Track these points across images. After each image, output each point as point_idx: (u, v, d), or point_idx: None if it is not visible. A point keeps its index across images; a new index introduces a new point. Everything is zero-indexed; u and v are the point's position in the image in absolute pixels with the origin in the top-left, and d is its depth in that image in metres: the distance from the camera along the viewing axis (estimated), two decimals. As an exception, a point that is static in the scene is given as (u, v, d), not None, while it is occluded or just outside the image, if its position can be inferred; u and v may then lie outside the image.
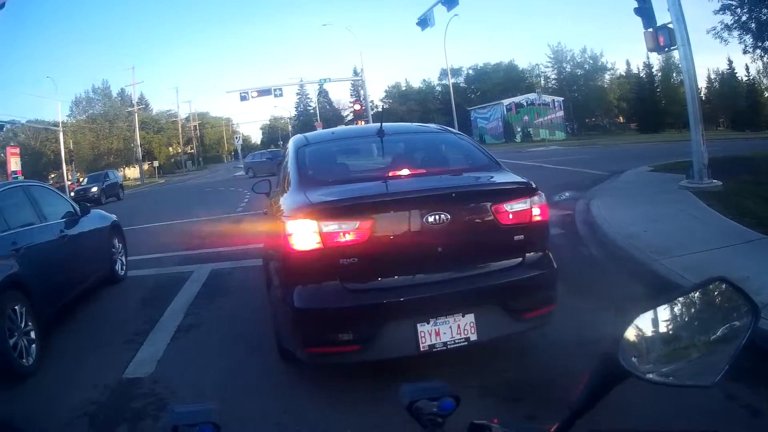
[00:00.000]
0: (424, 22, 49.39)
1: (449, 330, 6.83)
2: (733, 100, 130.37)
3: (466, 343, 6.87)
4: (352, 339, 6.84)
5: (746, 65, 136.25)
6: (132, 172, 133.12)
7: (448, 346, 6.82)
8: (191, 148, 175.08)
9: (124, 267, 15.86)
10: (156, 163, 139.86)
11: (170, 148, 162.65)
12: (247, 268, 14.28)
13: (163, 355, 9.41)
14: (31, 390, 8.80)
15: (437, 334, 6.81)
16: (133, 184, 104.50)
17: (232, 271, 14.83)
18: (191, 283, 13.87)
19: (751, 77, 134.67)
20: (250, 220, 22.61)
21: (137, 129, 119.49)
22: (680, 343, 2.07)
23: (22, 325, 9.45)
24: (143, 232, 25.34)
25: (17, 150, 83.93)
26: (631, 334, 2.03)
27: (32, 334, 9.65)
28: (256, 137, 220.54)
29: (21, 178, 66.32)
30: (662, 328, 2.07)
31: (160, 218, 30.97)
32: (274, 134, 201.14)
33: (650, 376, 1.99)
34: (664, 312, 2.09)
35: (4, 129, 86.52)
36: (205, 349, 9.50)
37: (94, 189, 60.86)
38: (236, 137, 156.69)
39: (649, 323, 2.07)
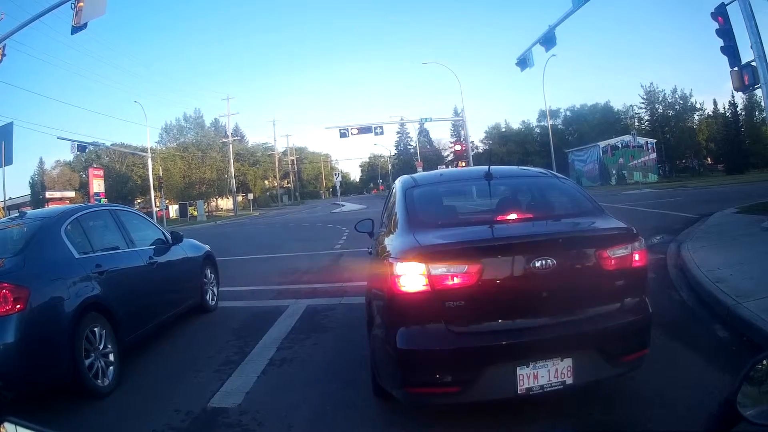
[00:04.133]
0: (523, 62, 49.08)
1: (547, 373, 6.79)
2: None
3: (561, 386, 6.84)
4: (453, 381, 6.81)
5: None
6: (225, 203, 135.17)
7: (545, 389, 6.78)
8: (288, 183, 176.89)
9: (216, 297, 15.84)
10: (250, 196, 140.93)
11: (266, 182, 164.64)
12: (344, 305, 14.27)
13: (252, 387, 9.34)
14: (114, 411, 8.89)
15: (535, 377, 6.77)
16: (226, 215, 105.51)
17: (328, 307, 14.61)
18: (286, 318, 13.81)
19: None
20: (349, 258, 22.63)
21: (231, 160, 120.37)
22: None
23: (101, 347, 9.56)
24: (237, 263, 25.43)
25: (101, 172, 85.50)
26: (749, 380, 2.02)
27: (111, 357, 9.76)
28: (355, 174, 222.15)
29: (104, 201, 67.15)
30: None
31: (255, 251, 31.21)
32: (373, 172, 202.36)
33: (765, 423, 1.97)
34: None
35: (87, 150, 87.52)
36: (297, 384, 9.39)
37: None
38: (335, 174, 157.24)
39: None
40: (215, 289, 15.93)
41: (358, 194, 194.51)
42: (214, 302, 15.64)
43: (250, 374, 9.92)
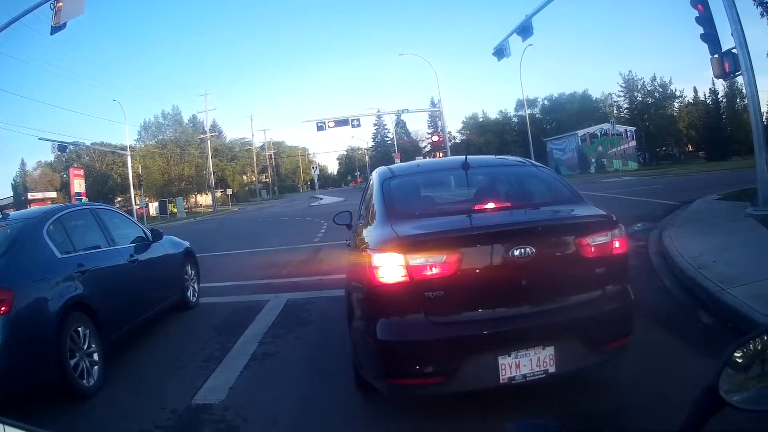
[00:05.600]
0: (500, 52, 49.42)
1: (529, 362, 6.81)
2: None
3: (544, 375, 6.85)
4: (434, 371, 6.87)
5: None
6: (204, 199, 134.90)
7: (528, 378, 6.80)
8: (266, 177, 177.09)
9: (197, 294, 15.89)
10: (229, 191, 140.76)
11: (244, 177, 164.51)
12: (324, 298, 14.32)
13: (235, 382, 9.38)
14: (99, 410, 8.93)
15: (517, 366, 6.79)
16: (206, 211, 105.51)
17: (308, 301, 14.71)
18: (266, 312, 13.87)
19: None
20: (327, 251, 22.73)
21: (210, 156, 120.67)
22: None
23: (85, 346, 9.56)
24: (216, 259, 25.49)
25: (81, 172, 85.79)
26: (732, 365, 2.02)
27: (95, 356, 9.76)
28: (333, 167, 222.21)
29: (85, 200, 67.28)
30: (763, 360, 2.05)
31: (234, 246, 31.45)
32: (351, 165, 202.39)
33: (751, 407, 1.97)
34: (765, 342, 2.07)
35: (68, 150, 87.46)
36: (280, 379, 9.44)
37: None
38: (313, 167, 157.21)
39: (751, 354, 2.06)
40: (196, 286, 16.00)
41: (336, 187, 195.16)
42: (195, 299, 15.71)
43: (233, 370, 9.98)
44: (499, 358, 6.72)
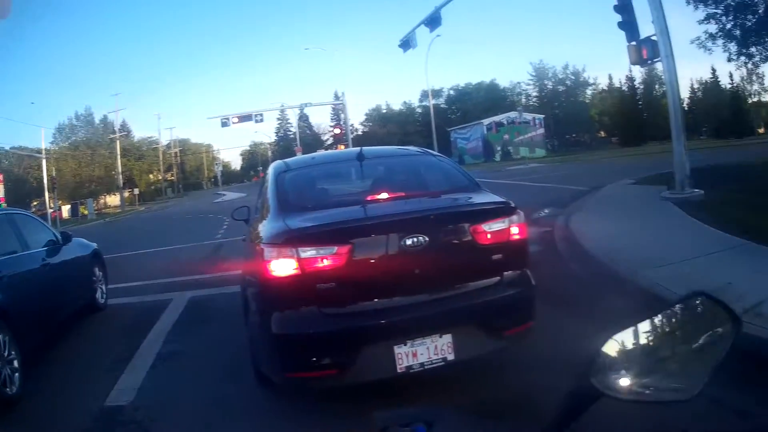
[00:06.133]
0: (406, 43, 49.98)
1: (426, 351, 6.86)
2: (716, 109, 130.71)
3: (443, 363, 6.89)
4: (330, 363, 6.88)
5: (730, 73, 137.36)
6: (113, 200, 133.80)
7: (425, 367, 6.84)
8: (171, 175, 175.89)
9: (105, 295, 15.79)
10: (137, 191, 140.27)
11: (151, 176, 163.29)
12: (225, 295, 14.28)
13: (143, 383, 9.38)
14: (17, 419, 8.85)
15: (414, 355, 6.84)
16: (115, 212, 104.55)
17: (210, 298, 14.85)
18: (170, 311, 13.93)
19: (735, 85, 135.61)
20: (229, 247, 22.92)
21: (119, 156, 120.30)
22: (659, 359, 2.08)
23: (5, 354, 9.39)
24: (123, 260, 25.27)
25: (0, 177, 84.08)
26: (606, 353, 2.05)
27: (15, 363, 9.58)
28: (237, 163, 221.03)
29: (4, 205, 66.43)
30: (639, 346, 2.09)
31: (140, 246, 31.31)
32: (253, 160, 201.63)
33: (626, 395, 2.00)
34: (641, 330, 2.11)
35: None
36: (183, 376, 9.55)
37: None
38: (216, 163, 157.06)
39: (625, 341, 2.09)
40: (104, 287, 15.91)
41: (239, 182, 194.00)
42: (104, 300, 15.60)
43: (140, 370, 10.00)
44: (395, 347, 6.79)
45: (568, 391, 2.01)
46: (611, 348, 2.06)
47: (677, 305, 2.19)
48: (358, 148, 9.41)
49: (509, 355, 7.76)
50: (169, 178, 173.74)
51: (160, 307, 14.39)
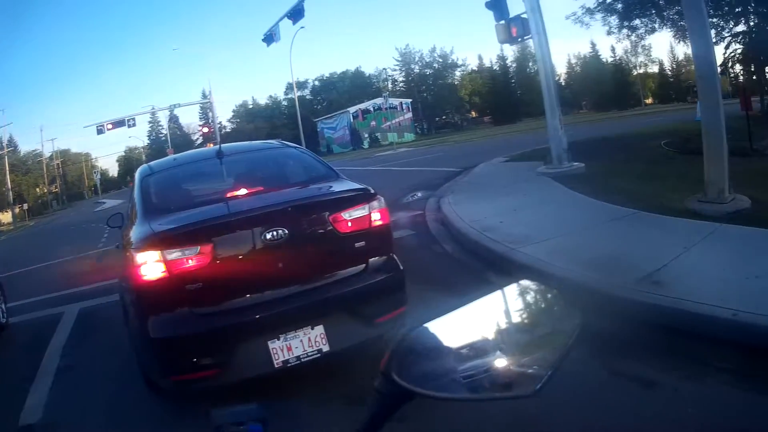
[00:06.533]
0: (269, 37, 50.43)
1: (300, 344, 6.93)
2: (597, 82, 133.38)
3: (319, 354, 6.97)
4: (211, 363, 6.87)
5: (612, 46, 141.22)
6: (5, 217, 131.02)
7: (302, 360, 6.91)
8: (56, 188, 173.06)
9: (5, 314, 15.47)
10: (25, 206, 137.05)
11: (37, 189, 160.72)
12: (111, 303, 14.02)
13: (48, 399, 9.26)
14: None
15: (289, 349, 6.90)
16: (7, 229, 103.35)
17: (98, 308, 14.78)
18: (63, 324, 13.74)
19: (618, 58, 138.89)
20: (111, 255, 22.20)
21: (7, 172, 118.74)
22: (483, 352, 1.89)
23: None
24: (17, 277, 24.87)
25: None
26: (402, 349, 1.88)
27: None
28: (114, 170, 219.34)
29: None
30: (455, 338, 1.90)
31: (31, 262, 30.52)
32: (130, 165, 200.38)
33: (442, 393, 1.81)
34: (455, 320, 1.94)
35: None
36: (83, 389, 9.46)
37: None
38: (95, 172, 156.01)
39: (437, 332, 1.91)
40: (4, 306, 15.63)
41: (117, 189, 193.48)
42: (5, 319, 15.28)
43: (43, 387, 9.82)
44: (269, 342, 6.87)
45: (375, 388, 1.85)
46: (421, 339, 1.91)
47: (498, 291, 2.07)
48: (217, 146, 9.51)
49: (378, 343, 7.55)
50: (53, 191, 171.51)
51: (54, 321, 14.22)
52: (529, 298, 2.12)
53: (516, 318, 2.04)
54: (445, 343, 1.86)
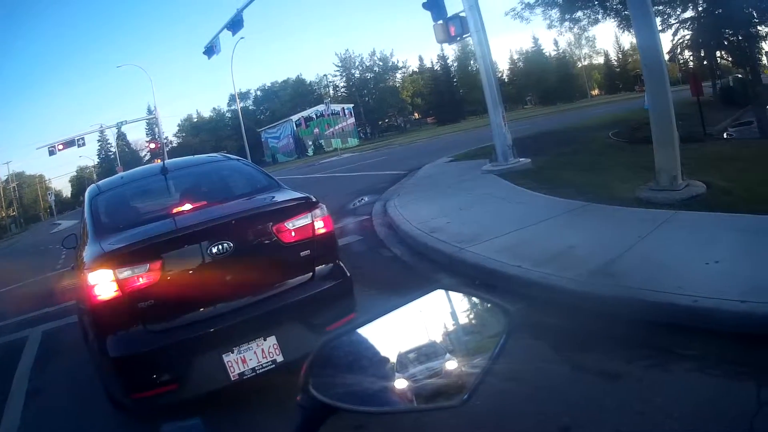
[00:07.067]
0: (210, 50, 50.34)
1: (255, 355, 6.94)
2: (541, 77, 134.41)
3: (273, 365, 6.97)
4: (168, 379, 6.83)
5: (555, 40, 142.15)
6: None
7: (257, 372, 6.92)
8: (13, 211, 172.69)
9: None
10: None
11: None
12: (73, 324, 13.24)
13: (20, 424, 9.25)
14: None
15: (243, 361, 6.91)
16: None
17: (60, 329, 14.62)
18: (28, 348, 13.66)
19: (561, 51, 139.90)
20: (68, 276, 22.08)
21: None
22: (407, 361, 1.90)
23: None
24: None
25: None
26: (319, 363, 1.92)
27: None
28: (68, 191, 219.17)
29: None
30: (377, 348, 1.94)
31: None
32: (81, 185, 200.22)
33: (363, 407, 1.83)
34: (376, 329, 1.97)
35: None
36: (53, 412, 9.46)
37: None
38: (49, 193, 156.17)
39: (357, 342, 1.95)
40: None
41: (72, 210, 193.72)
42: None
43: (15, 411, 9.78)
44: (223, 356, 6.88)
45: (297, 403, 1.86)
46: (340, 350, 1.96)
47: (416, 301, 2.07)
48: (161, 163, 9.64)
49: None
50: (11, 214, 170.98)
51: (20, 345, 14.14)
52: (454, 305, 2.10)
53: (440, 326, 2.03)
54: (366, 353, 1.88)
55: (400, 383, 1.81)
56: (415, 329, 1.95)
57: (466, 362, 1.84)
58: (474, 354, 1.86)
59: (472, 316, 2.05)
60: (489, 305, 2.00)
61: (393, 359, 1.86)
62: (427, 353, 1.87)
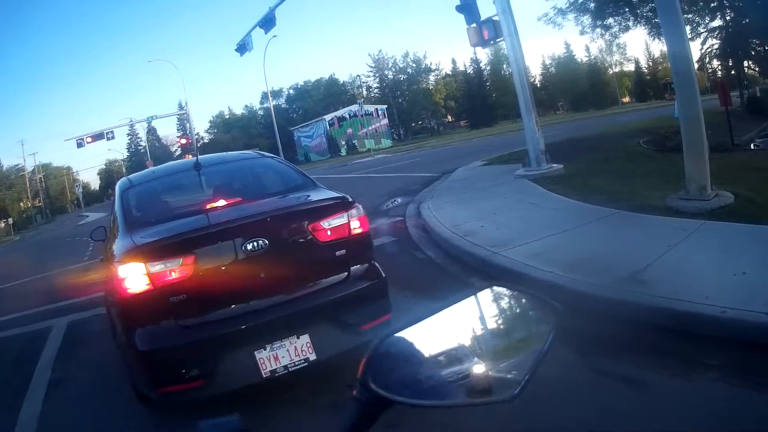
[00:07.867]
0: (242, 47, 50.31)
1: (287, 353, 6.94)
2: (573, 83, 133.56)
3: (306, 363, 6.97)
4: (197, 375, 6.84)
5: (586, 46, 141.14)
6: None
7: (289, 369, 6.91)
8: (39, 201, 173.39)
9: None
10: (11, 220, 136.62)
11: (21, 203, 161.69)
12: (99, 315, 13.76)
13: (41, 412, 9.22)
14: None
15: (276, 358, 6.91)
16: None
17: (86, 320, 14.64)
18: (52, 338, 13.68)
19: (593, 57, 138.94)
20: (96, 268, 21.71)
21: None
22: (459, 357, 1.94)
23: None
24: (4, 292, 25.23)
25: None
26: (388, 352, 1.92)
27: None
28: (96, 183, 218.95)
29: None
30: (431, 344, 1.95)
31: (18, 276, 30.21)
32: (110, 178, 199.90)
33: (419, 400, 1.85)
34: (430, 326, 1.98)
35: None
36: (75, 401, 9.40)
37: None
38: (76, 185, 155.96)
39: (413, 339, 1.95)
40: None
41: (99, 202, 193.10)
42: None
43: (36, 400, 9.79)
44: (255, 353, 6.90)
45: (353, 397, 1.87)
46: (397, 346, 1.94)
47: (466, 300, 2.08)
48: (194, 158, 9.50)
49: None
50: (37, 205, 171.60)
51: (44, 335, 14.17)
52: (503, 303, 2.14)
53: (491, 323, 2.06)
54: (421, 349, 1.89)
55: (453, 378, 1.86)
56: (467, 326, 2.00)
57: (515, 358, 1.90)
58: (523, 350, 1.92)
59: (521, 313, 2.11)
60: (538, 303, 2.03)
61: (446, 355, 1.91)
62: (477, 349, 1.93)
